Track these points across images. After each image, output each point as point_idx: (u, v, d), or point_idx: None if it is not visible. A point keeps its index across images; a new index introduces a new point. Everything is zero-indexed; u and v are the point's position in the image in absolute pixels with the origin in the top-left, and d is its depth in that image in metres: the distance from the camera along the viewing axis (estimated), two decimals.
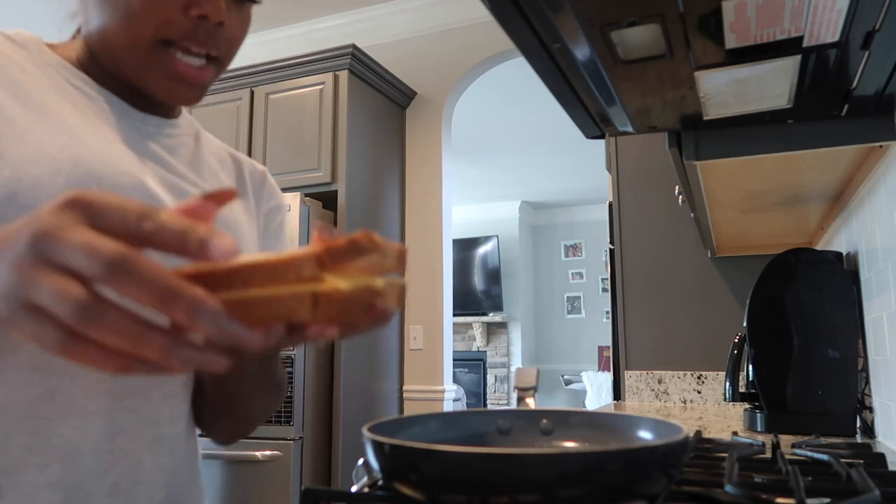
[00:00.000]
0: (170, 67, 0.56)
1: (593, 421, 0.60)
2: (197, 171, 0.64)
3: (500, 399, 7.58)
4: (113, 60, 0.58)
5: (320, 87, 2.86)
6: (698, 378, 1.83)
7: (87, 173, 0.51)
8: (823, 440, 0.97)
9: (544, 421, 0.62)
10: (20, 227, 0.32)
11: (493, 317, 7.52)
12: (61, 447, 0.47)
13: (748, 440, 0.87)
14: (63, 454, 0.47)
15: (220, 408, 0.63)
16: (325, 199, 2.86)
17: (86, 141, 0.53)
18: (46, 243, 0.30)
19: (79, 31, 0.63)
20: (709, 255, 1.87)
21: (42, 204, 0.46)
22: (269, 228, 0.74)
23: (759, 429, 1.27)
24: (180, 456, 0.56)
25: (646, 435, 0.55)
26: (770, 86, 0.74)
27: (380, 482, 0.54)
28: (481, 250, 7.58)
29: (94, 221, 0.31)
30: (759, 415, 1.29)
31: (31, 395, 0.46)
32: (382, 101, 3.12)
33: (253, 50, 3.70)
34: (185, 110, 0.69)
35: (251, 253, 0.51)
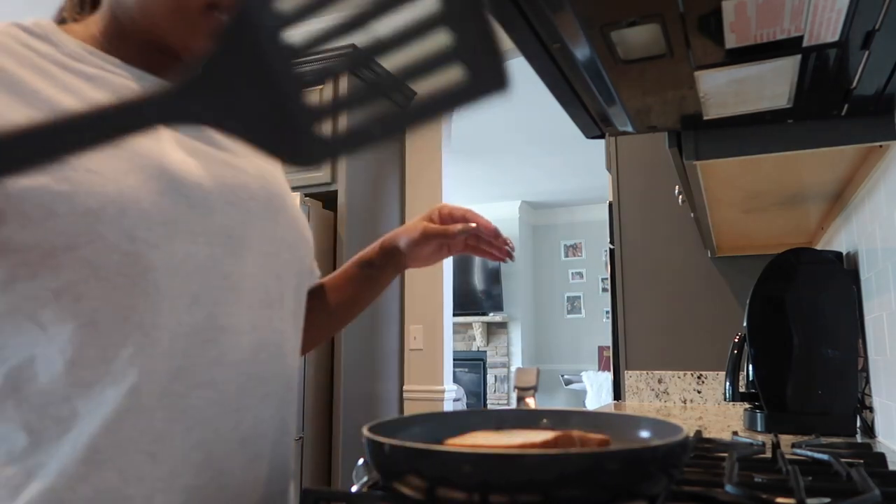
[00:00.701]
0: (206, 23, 0.58)
1: (593, 421, 0.61)
2: (230, 142, 0.67)
3: (500, 399, 7.58)
4: (151, 26, 0.59)
5: (320, 86, 2.86)
6: (698, 378, 1.83)
7: (171, 178, 0.54)
8: (823, 440, 0.97)
9: (544, 421, 0.62)
10: None
11: (493, 317, 7.52)
12: (196, 415, 0.54)
13: (748, 440, 0.87)
14: (199, 420, 0.54)
15: (334, 323, 0.83)
16: (325, 199, 2.86)
17: (152, 140, 0.55)
18: None
19: (93, 5, 0.64)
20: (709, 255, 1.87)
21: (145, 211, 0.51)
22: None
23: (759, 429, 1.27)
24: (283, 409, 0.63)
25: (646, 435, 0.55)
26: (770, 86, 0.74)
27: (379, 482, 0.54)
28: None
29: None
30: (759, 415, 1.29)
31: (166, 375, 0.52)
32: (382, 101, 3.12)
33: None
34: None
35: (299, 211, 0.68)
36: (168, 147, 0.56)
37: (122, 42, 0.61)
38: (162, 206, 0.52)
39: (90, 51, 0.58)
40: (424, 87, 3.30)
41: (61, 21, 0.64)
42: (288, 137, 0.32)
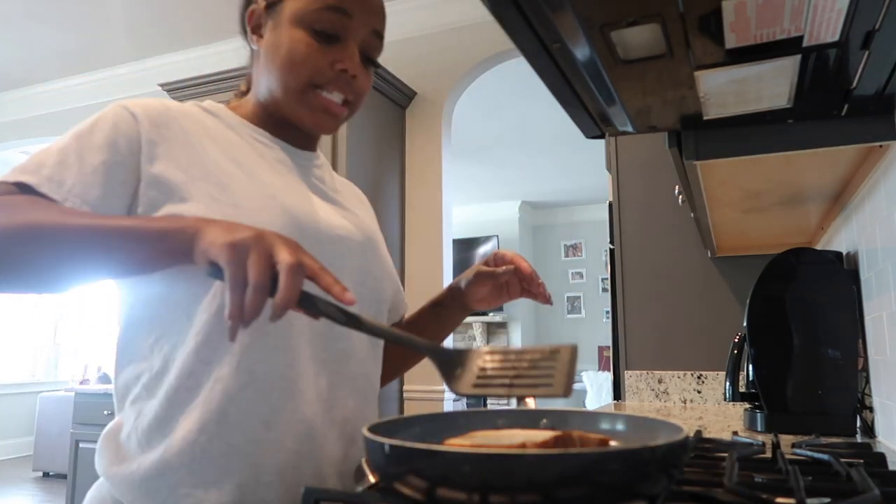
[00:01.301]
0: (317, 102, 0.77)
1: (592, 421, 0.61)
2: (340, 194, 0.87)
3: (500, 399, 7.58)
4: (276, 105, 0.79)
5: None
6: (698, 378, 1.83)
7: (292, 217, 0.72)
8: (823, 440, 0.97)
9: (544, 421, 0.62)
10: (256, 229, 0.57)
11: (493, 316, 7.52)
12: (301, 398, 0.69)
13: (748, 440, 0.87)
14: (304, 402, 0.70)
15: (403, 365, 0.97)
16: None
17: (281, 190, 0.74)
18: (296, 244, 0.57)
19: (244, 92, 0.86)
20: (709, 255, 1.87)
21: None
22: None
23: (759, 429, 1.27)
24: (365, 402, 0.78)
25: (645, 435, 0.55)
26: (770, 86, 0.74)
27: (380, 482, 0.54)
28: (481, 250, 7.58)
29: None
30: (759, 415, 1.29)
31: (277, 365, 0.68)
32: (382, 101, 3.12)
33: None
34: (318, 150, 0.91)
35: (387, 255, 0.88)
36: (300, 196, 0.76)
37: (267, 119, 0.81)
38: (282, 233, 0.66)
39: (244, 124, 0.80)
40: (424, 84, 3.31)
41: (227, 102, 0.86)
42: None
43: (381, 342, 0.84)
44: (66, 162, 0.66)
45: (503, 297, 0.91)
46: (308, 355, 0.71)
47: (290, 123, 0.81)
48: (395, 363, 0.94)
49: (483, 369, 0.57)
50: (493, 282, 0.90)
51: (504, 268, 0.89)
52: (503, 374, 0.56)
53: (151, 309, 0.70)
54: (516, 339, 7.59)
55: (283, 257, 0.53)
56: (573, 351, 0.55)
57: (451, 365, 0.58)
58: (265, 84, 0.79)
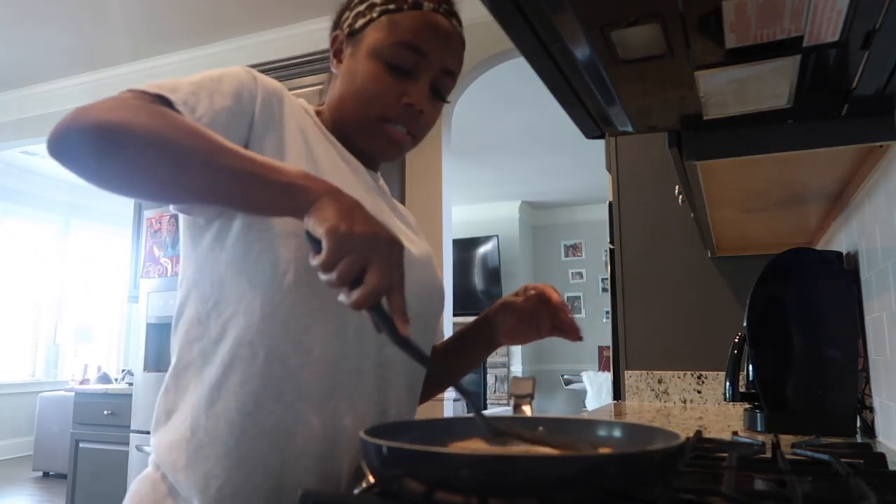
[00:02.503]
0: (383, 132, 0.80)
1: (590, 428, 0.60)
2: (396, 209, 0.90)
3: (500, 399, 7.58)
4: (345, 125, 0.82)
5: (320, 87, 2.86)
6: (698, 378, 1.83)
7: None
8: (823, 440, 0.97)
9: (541, 428, 0.61)
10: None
11: None
12: (344, 389, 0.71)
13: (748, 440, 0.87)
14: (350, 393, 0.72)
15: (439, 384, 0.94)
16: None
17: (360, 192, 0.76)
18: (394, 252, 0.60)
19: (323, 102, 0.87)
20: (709, 255, 1.87)
21: None
22: None
23: (759, 429, 1.27)
24: (403, 404, 0.80)
25: (643, 441, 0.55)
26: (770, 86, 0.74)
27: (378, 485, 0.54)
28: (481, 250, 7.58)
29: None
30: (759, 415, 1.28)
31: (331, 360, 0.71)
32: None
33: (253, 50, 3.70)
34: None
35: (441, 283, 0.88)
36: (374, 204, 0.78)
37: (337, 132, 0.83)
38: None
39: (326, 132, 0.82)
40: None
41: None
42: None
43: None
44: (198, 94, 0.68)
45: (532, 331, 0.89)
46: (363, 354, 0.73)
47: (358, 149, 0.84)
48: (441, 380, 0.95)
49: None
50: (519, 312, 0.88)
51: (528, 294, 0.88)
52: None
53: (216, 273, 0.71)
54: None
55: (374, 276, 0.56)
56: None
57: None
58: (338, 107, 0.82)
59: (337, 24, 0.85)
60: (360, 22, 0.80)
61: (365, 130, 0.81)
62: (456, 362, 0.96)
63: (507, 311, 0.90)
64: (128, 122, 0.58)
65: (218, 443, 0.66)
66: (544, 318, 0.87)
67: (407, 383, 0.80)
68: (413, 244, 0.84)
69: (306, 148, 0.75)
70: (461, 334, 0.96)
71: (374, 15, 0.79)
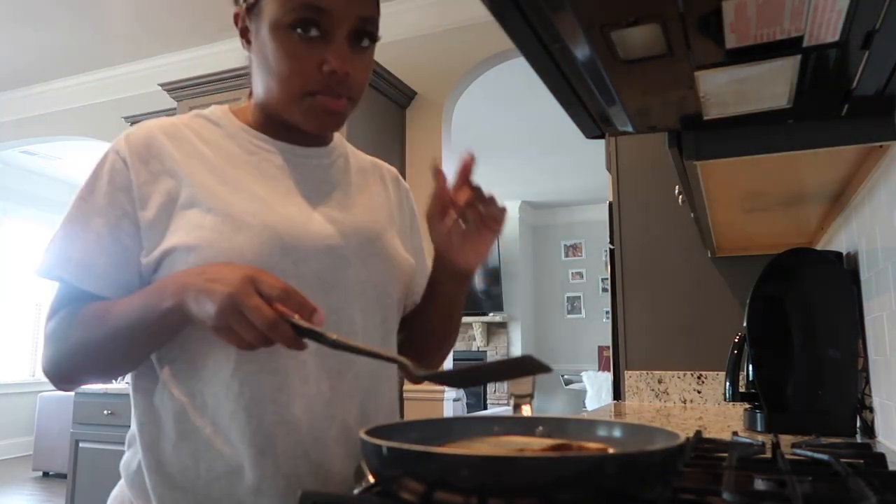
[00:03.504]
0: (315, 106, 0.75)
1: (590, 429, 0.60)
2: (347, 191, 0.84)
3: (499, 399, 7.58)
4: (274, 111, 0.78)
5: None
6: (698, 378, 1.83)
7: (275, 235, 0.72)
8: (823, 440, 0.97)
9: (540, 428, 0.61)
10: (228, 271, 0.62)
11: (493, 317, 7.52)
12: (299, 411, 0.71)
13: (748, 440, 0.87)
14: (301, 416, 0.72)
15: (427, 347, 0.92)
16: None
17: (270, 204, 0.74)
18: (255, 281, 0.60)
19: (249, 96, 0.84)
20: (709, 255, 1.87)
21: (248, 257, 0.70)
22: (412, 228, 0.96)
23: (759, 429, 1.27)
24: (370, 405, 0.79)
25: (643, 441, 0.55)
26: (770, 86, 0.73)
27: (377, 486, 0.54)
28: None
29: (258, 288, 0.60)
30: (759, 415, 1.28)
31: (268, 389, 0.71)
32: (382, 100, 3.11)
33: None
34: (336, 134, 0.89)
35: (394, 249, 0.84)
36: (292, 210, 0.75)
37: (267, 123, 0.81)
38: (261, 255, 0.70)
39: (246, 130, 0.80)
40: (424, 84, 3.31)
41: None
42: None
43: (392, 341, 0.84)
44: (71, 235, 0.73)
45: (472, 233, 0.80)
46: (311, 365, 0.73)
47: (289, 127, 0.80)
48: (436, 336, 0.92)
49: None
50: (441, 217, 0.80)
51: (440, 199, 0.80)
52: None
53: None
54: (516, 338, 7.59)
55: (257, 320, 0.58)
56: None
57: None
58: (261, 89, 0.78)
59: (237, 0, 0.79)
60: None
61: (296, 110, 0.76)
62: (440, 313, 0.89)
63: (436, 222, 0.80)
64: (54, 370, 0.72)
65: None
66: (473, 211, 0.80)
67: (367, 372, 0.78)
68: (352, 230, 0.79)
69: (208, 172, 0.74)
70: (429, 283, 0.89)
71: None
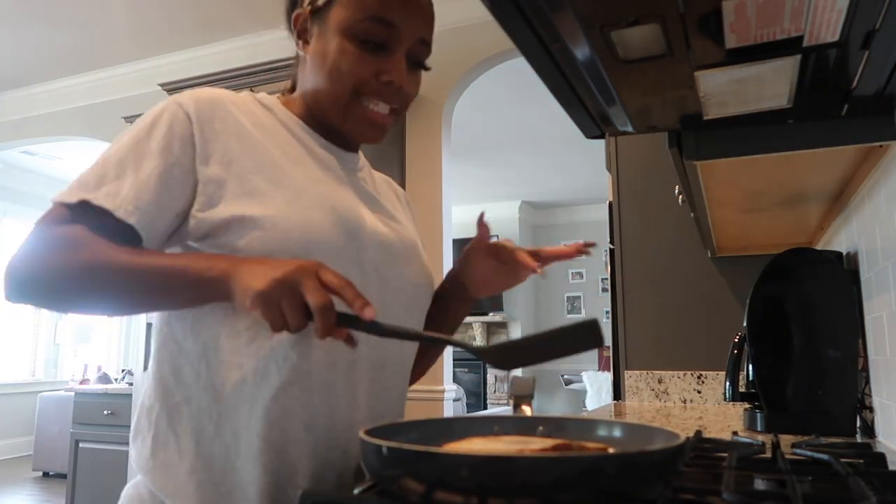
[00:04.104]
0: (362, 114, 0.78)
1: (589, 428, 0.60)
2: (381, 195, 0.88)
3: (500, 399, 7.58)
4: (321, 110, 0.80)
5: None
6: (698, 378, 1.83)
7: (341, 219, 0.73)
8: (823, 440, 0.97)
9: (540, 428, 0.61)
10: (292, 262, 0.61)
11: (493, 316, 7.52)
12: (336, 402, 0.72)
13: (748, 440, 0.87)
14: (338, 406, 0.72)
15: (424, 359, 0.92)
16: None
17: (333, 189, 0.76)
18: (318, 267, 0.61)
19: (292, 89, 0.86)
20: (709, 255, 1.87)
21: (320, 235, 0.71)
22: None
23: (759, 429, 1.27)
24: (396, 409, 0.81)
25: (643, 442, 0.55)
26: (770, 86, 0.74)
27: (377, 485, 0.54)
28: None
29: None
30: (759, 415, 1.28)
31: (322, 364, 0.71)
32: None
33: (253, 50, 3.70)
34: None
35: (425, 257, 0.88)
36: (348, 199, 0.77)
37: (314, 121, 0.82)
38: (331, 236, 0.71)
39: (295, 120, 0.81)
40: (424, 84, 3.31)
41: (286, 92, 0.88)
42: None
43: (413, 350, 0.85)
44: (124, 170, 0.70)
45: (509, 276, 0.87)
46: (350, 361, 0.73)
47: (335, 132, 0.82)
48: (421, 362, 0.93)
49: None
50: (490, 253, 0.87)
51: (501, 241, 0.87)
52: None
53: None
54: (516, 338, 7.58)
55: (312, 299, 0.58)
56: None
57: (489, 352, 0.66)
58: (311, 89, 0.80)
59: (296, 3, 0.82)
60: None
61: (342, 112, 0.78)
62: (440, 325, 0.93)
63: (477, 259, 0.88)
64: (46, 278, 0.67)
65: (213, 467, 0.70)
66: (520, 256, 0.84)
67: (397, 383, 0.81)
68: (395, 232, 0.83)
69: (273, 145, 0.75)
70: (438, 296, 0.92)
71: None
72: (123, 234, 0.68)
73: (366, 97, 0.77)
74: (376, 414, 0.76)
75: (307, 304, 0.58)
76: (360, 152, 0.90)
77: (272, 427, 0.68)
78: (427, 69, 0.82)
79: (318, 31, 0.78)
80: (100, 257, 0.65)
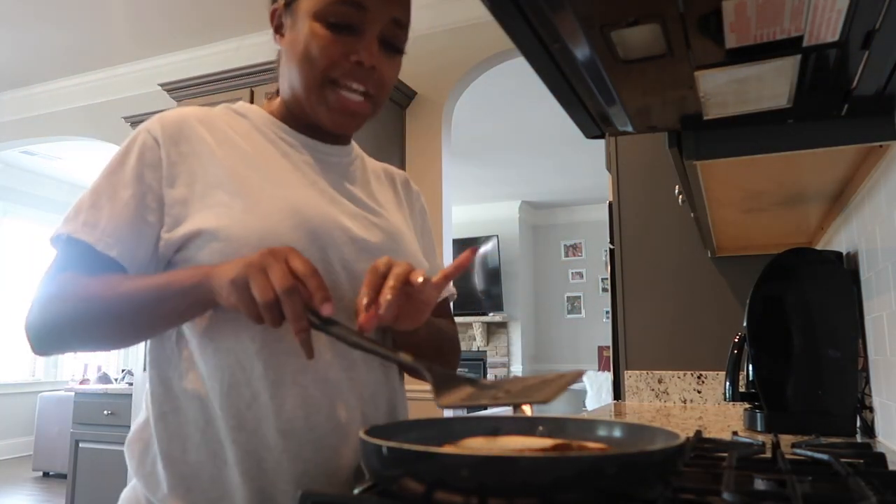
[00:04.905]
0: (335, 101, 0.77)
1: (589, 428, 0.60)
2: (367, 190, 0.87)
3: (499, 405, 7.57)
4: (296, 101, 0.80)
5: None
6: (698, 378, 1.83)
7: (304, 220, 0.73)
8: (823, 440, 0.97)
9: (541, 428, 0.61)
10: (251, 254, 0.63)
11: (493, 316, 7.52)
12: (317, 405, 0.72)
13: (748, 440, 0.87)
14: (319, 410, 0.72)
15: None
16: None
17: (298, 191, 0.76)
18: (287, 253, 0.62)
19: (277, 93, 0.87)
20: (709, 255, 1.87)
21: (279, 239, 0.70)
22: (423, 229, 0.97)
23: (759, 429, 1.27)
24: (376, 408, 0.79)
25: (643, 442, 0.55)
26: (770, 86, 0.73)
27: (377, 486, 0.54)
28: (481, 250, 7.58)
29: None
30: (759, 415, 1.28)
31: (291, 372, 0.71)
32: None
33: (253, 50, 3.70)
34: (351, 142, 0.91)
35: (414, 248, 0.85)
36: (313, 199, 0.76)
37: (293, 118, 0.83)
38: (290, 239, 0.71)
39: (274, 123, 0.82)
40: (424, 84, 3.30)
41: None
42: None
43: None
44: (99, 202, 0.73)
45: (415, 308, 0.72)
46: (324, 362, 0.73)
47: (314, 125, 0.82)
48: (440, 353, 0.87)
49: (475, 386, 0.58)
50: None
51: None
52: (494, 389, 0.57)
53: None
54: (516, 339, 7.59)
55: (277, 281, 0.59)
56: (574, 376, 0.55)
57: (443, 380, 0.60)
58: (287, 82, 0.81)
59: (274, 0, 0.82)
60: None
61: (315, 98, 0.77)
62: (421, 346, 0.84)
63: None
64: (54, 331, 0.71)
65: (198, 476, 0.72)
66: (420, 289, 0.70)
67: (372, 379, 0.78)
68: (373, 227, 0.81)
69: (238, 158, 0.76)
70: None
71: None
72: (108, 263, 0.71)
73: (339, 82, 0.76)
74: (365, 413, 0.76)
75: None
76: (354, 143, 0.90)
77: (249, 435, 0.69)
78: (402, 54, 0.82)
79: (291, 21, 0.78)
80: (88, 297, 0.69)
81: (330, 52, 0.75)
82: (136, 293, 0.68)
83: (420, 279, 0.67)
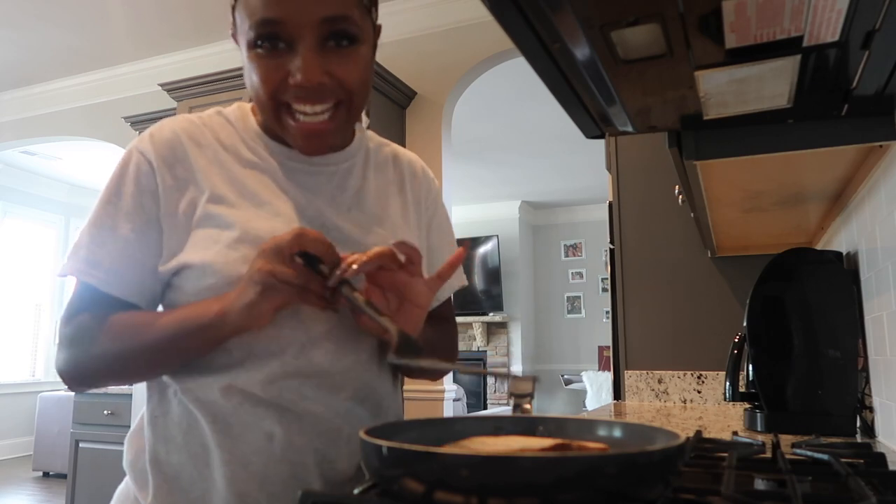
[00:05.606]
0: (296, 129, 0.72)
1: (590, 429, 0.60)
2: (361, 202, 0.81)
3: (500, 399, 7.58)
4: (267, 126, 0.79)
5: None
6: (698, 378, 1.83)
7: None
8: (823, 440, 0.97)
9: (541, 428, 0.61)
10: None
11: (493, 316, 7.52)
12: (306, 409, 0.74)
13: (748, 440, 0.87)
14: (308, 414, 0.73)
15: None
16: None
17: (285, 220, 0.74)
18: (301, 235, 0.65)
19: None
20: (709, 255, 1.87)
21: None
22: (432, 224, 0.91)
23: (759, 429, 1.27)
24: (374, 410, 0.79)
25: (643, 442, 0.55)
26: (770, 86, 0.73)
27: (377, 486, 0.54)
28: (481, 250, 7.58)
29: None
30: (759, 415, 1.28)
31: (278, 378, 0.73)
32: (382, 100, 3.11)
33: None
34: (358, 130, 0.86)
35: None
36: (295, 221, 0.75)
37: (268, 130, 0.80)
38: None
39: (260, 135, 0.79)
40: (424, 84, 3.31)
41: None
42: None
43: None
44: (100, 236, 0.73)
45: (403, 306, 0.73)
46: (315, 365, 0.73)
47: (284, 142, 0.80)
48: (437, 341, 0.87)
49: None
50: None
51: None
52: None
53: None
54: (516, 338, 7.59)
55: (287, 278, 0.64)
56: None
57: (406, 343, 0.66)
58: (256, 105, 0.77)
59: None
60: (232, 13, 0.74)
61: (279, 126, 0.74)
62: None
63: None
64: (74, 373, 0.73)
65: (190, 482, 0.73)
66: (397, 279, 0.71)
67: (369, 382, 0.78)
68: (371, 235, 0.79)
69: (214, 190, 0.74)
70: None
71: (233, 1, 0.73)
72: (119, 302, 0.73)
73: (292, 107, 0.71)
74: (354, 415, 0.75)
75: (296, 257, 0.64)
76: (358, 135, 0.85)
77: (235, 441, 0.70)
78: (358, 39, 0.72)
79: (240, 47, 0.75)
80: (122, 348, 0.71)
81: (269, 77, 0.70)
82: (156, 341, 0.70)
83: (402, 258, 0.69)
